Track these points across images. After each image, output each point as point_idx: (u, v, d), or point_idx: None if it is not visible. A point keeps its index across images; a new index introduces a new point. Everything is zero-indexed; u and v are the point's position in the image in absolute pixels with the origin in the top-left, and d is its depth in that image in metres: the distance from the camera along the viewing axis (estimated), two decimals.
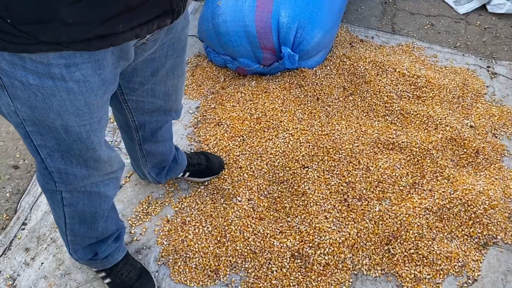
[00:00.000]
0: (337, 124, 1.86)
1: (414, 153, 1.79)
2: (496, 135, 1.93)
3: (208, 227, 1.60)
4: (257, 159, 1.74)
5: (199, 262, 1.53)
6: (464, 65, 2.21)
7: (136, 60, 0.99)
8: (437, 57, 2.24)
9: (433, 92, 2.00)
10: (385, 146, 1.81)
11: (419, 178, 1.74)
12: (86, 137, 0.92)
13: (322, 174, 1.72)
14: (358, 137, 1.82)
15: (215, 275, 1.51)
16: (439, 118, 1.90)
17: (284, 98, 1.91)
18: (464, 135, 1.85)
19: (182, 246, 1.56)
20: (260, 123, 1.82)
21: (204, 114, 1.94)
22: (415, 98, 1.98)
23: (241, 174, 1.71)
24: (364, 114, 1.93)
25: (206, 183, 1.72)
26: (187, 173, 1.69)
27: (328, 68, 2.04)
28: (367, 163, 1.75)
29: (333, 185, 1.69)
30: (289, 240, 1.56)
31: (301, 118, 1.86)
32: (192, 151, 1.80)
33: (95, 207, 1.14)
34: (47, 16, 0.69)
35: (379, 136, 1.83)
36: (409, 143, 1.80)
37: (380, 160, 1.76)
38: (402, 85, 2.00)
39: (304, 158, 1.74)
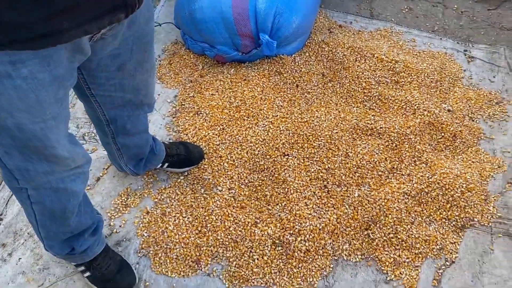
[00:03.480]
0: (317, 111, 1.86)
1: (393, 138, 1.80)
2: (473, 119, 1.96)
3: (188, 218, 1.60)
4: (237, 148, 1.73)
5: (180, 252, 1.52)
6: (442, 49, 2.23)
7: (99, 55, 0.97)
8: (415, 42, 2.24)
9: (411, 77, 2.01)
10: (363, 132, 1.82)
11: (397, 163, 1.75)
12: (42, 135, 0.90)
13: (302, 161, 1.72)
14: (337, 123, 1.82)
15: (196, 265, 1.51)
16: (417, 103, 1.91)
17: (264, 85, 1.89)
18: (442, 119, 1.87)
19: (163, 237, 1.55)
20: (239, 112, 1.81)
21: (183, 103, 1.92)
22: (393, 83, 1.99)
23: (221, 163, 1.70)
24: (343, 101, 1.93)
25: (186, 173, 1.71)
26: (166, 164, 1.68)
27: (307, 54, 2.03)
28: (346, 149, 1.75)
29: (313, 172, 1.70)
30: (270, 228, 1.56)
31: (281, 105, 1.85)
32: (171, 141, 1.78)
33: (64, 203, 1.12)
34: None
35: (357, 122, 1.83)
36: (387, 129, 1.81)
37: (358, 146, 1.77)
38: (380, 71, 2.01)
39: (284, 146, 1.73)
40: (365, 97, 1.94)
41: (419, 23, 2.36)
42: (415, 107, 1.90)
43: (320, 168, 1.71)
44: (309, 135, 1.76)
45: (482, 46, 2.25)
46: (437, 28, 2.34)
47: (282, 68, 1.95)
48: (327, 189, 1.67)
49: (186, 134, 1.80)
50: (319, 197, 1.65)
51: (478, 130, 1.92)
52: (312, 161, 1.72)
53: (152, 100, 1.31)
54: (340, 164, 1.72)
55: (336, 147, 1.75)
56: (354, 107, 1.91)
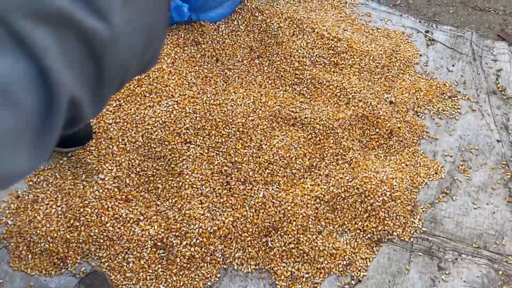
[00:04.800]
0: (234, 92, 1.60)
1: (317, 131, 1.56)
2: (419, 113, 1.71)
3: (63, 207, 1.39)
4: (132, 130, 1.49)
5: (45, 247, 1.33)
6: (400, 27, 1.94)
7: None
8: (370, 16, 1.95)
9: (353, 59, 1.73)
10: (285, 121, 1.58)
11: (317, 160, 1.53)
12: None
13: (206, 151, 1.49)
14: (255, 109, 1.57)
15: (62, 263, 1.32)
16: (353, 91, 1.65)
17: (176, 56, 1.62)
18: (379, 112, 1.62)
19: (28, 228, 1.35)
20: (141, 86, 1.56)
21: None
22: (331, 65, 1.72)
23: (110, 146, 1.47)
24: (269, 82, 1.67)
25: (70, 154, 1.48)
26: None
27: (236, 23, 1.75)
28: (260, 141, 1.52)
29: (216, 165, 1.47)
30: (153, 228, 1.36)
31: (193, 82, 1.59)
32: None
33: None
34: None
35: (280, 109, 1.58)
36: (313, 119, 1.57)
37: (276, 137, 1.54)
38: (319, 49, 1.73)
39: (188, 131, 1.50)
40: (296, 79, 1.68)
41: None
42: (350, 96, 1.64)
43: (225, 160, 1.48)
44: (219, 121, 1.52)
45: (446, 28, 1.96)
46: (399, 2, 2.04)
47: (201, 37, 1.68)
48: (229, 186, 1.45)
49: None
50: (218, 195, 1.43)
51: (421, 128, 1.68)
52: (217, 152, 1.49)
53: None
54: (250, 158, 1.49)
55: (249, 138, 1.52)
56: (281, 90, 1.66)
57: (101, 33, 0.44)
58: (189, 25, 1.68)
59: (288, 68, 1.69)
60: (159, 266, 1.33)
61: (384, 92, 1.71)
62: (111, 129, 1.49)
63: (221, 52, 1.68)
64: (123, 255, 1.34)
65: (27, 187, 1.43)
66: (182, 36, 1.66)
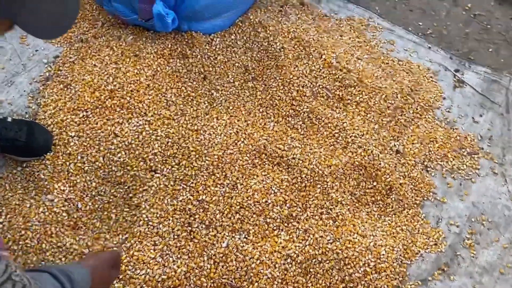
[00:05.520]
0: (217, 118, 1.41)
1: (304, 175, 1.35)
2: (428, 169, 1.47)
3: (4, 225, 1.25)
4: (94, 148, 1.33)
5: None
6: (426, 62, 1.68)
7: None
8: (393, 44, 1.70)
9: (361, 95, 1.50)
10: (269, 159, 1.38)
11: (298, 210, 1.33)
12: None
13: (172, 183, 1.31)
14: (237, 141, 1.38)
15: None
16: (354, 134, 1.43)
17: (158, 69, 1.44)
18: (380, 163, 1.40)
19: None
20: (113, 98, 1.38)
21: (60, 68, 1.50)
22: (335, 99, 1.50)
23: (67, 163, 1.31)
24: (260, 110, 1.47)
25: (25, 165, 1.34)
26: None
27: (233, 37, 1.54)
28: (236, 179, 1.33)
29: (180, 201, 1.29)
30: None
31: (172, 101, 1.41)
32: (21, 117, 1.39)
33: None
34: None
35: (267, 144, 1.38)
36: (301, 161, 1.36)
37: (255, 177, 1.34)
38: (323, 79, 1.51)
39: (155, 157, 1.32)
40: (291, 111, 1.47)
41: (410, 20, 1.78)
42: (350, 139, 1.42)
43: (191, 197, 1.30)
44: (192, 150, 1.34)
45: (481, 69, 1.69)
46: (431, 31, 1.77)
47: (190, 49, 1.48)
48: (190, 228, 1.27)
49: (45, 112, 1.40)
50: (175, 237, 1.26)
51: (427, 187, 1.44)
52: (184, 186, 1.31)
53: None
54: (220, 198, 1.30)
55: (223, 174, 1.33)
56: (272, 121, 1.45)
57: None
58: (179, 34, 1.49)
59: (284, 97, 1.48)
60: None
61: (391, 138, 1.48)
62: (72, 143, 1.33)
63: (211, 69, 1.48)
64: None
65: None
66: (169, 46, 1.47)
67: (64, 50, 1.54)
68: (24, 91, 1.47)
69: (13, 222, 1.24)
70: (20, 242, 1.22)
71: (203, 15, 1.42)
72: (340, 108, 1.49)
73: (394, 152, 1.46)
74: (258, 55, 1.53)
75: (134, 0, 1.39)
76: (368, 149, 1.41)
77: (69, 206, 1.27)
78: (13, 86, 1.47)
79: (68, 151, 1.32)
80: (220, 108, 1.44)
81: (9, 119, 1.33)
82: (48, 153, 1.33)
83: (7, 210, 1.27)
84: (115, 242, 1.24)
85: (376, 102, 1.50)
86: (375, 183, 1.39)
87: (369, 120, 1.48)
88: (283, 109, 1.47)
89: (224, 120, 1.41)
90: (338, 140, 1.43)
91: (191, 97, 1.43)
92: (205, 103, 1.44)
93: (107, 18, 1.60)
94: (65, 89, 1.43)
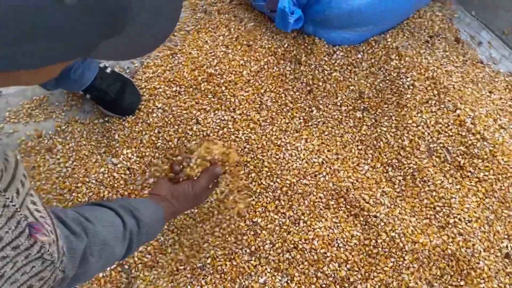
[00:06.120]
0: (306, 139, 1.24)
1: (380, 241, 1.13)
2: None
3: (67, 172, 1.25)
4: (173, 127, 1.25)
5: None
6: None
7: None
8: None
9: (487, 173, 1.20)
10: (347, 207, 1.18)
11: (358, 278, 1.12)
12: None
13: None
14: (319, 172, 1.20)
15: None
16: (459, 216, 1.15)
17: (265, 66, 1.30)
18: (479, 263, 1.11)
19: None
20: (209, 83, 1.29)
21: (175, 33, 1.44)
22: (453, 166, 1.22)
23: (144, 132, 1.26)
24: (359, 147, 1.26)
25: (107, 119, 1.32)
26: (88, 95, 1.30)
27: (359, 56, 1.32)
28: (302, 214, 1.16)
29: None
30: None
31: (266, 105, 1.27)
32: (118, 72, 1.36)
33: None
34: None
35: (351, 188, 1.18)
36: (384, 223, 1.14)
37: (323, 220, 1.16)
38: (448, 137, 1.24)
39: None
40: (394, 160, 1.23)
41: None
42: (452, 221, 1.15)
43: (246, 215, 1.16)
44: (266, 166, 1.19)
45: None
46: None
47: (306, 56, 1.31)
48: (232, 256, 1.14)
49: (143, 73, 1.36)
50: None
51: None
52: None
53: None
54: (277, 228, 1.15)
55: (289, 204, 1.17)
56: (367, 164, 1.24)
57: None
58: (301, 36, 1.32)
59: (393, 142, 1.25)
60: None
61: (505, 237, 1.17)
62: (154, 115, 1.28)
63: (321, 84, 1.30)
64: None
65: (53, 131, 1.32)
66: (285, 45, 1.32)
67: (185, 17, 1.48)
68: None
69: (75, 171, 1.24)
70: (73, 194, 1.21)
71: (333, 23, 1.23)
72: (455, 179, 1.21)
73: (503, 255, 1.15)
74: (380, 85, 1.30)
75: None
76: (470, 241, 1.13)
77: (129, 176, 1.23)
78: None
79: (148, 121, 1.27)
80: (314, 130, 1.26)
81: (108, 70, 1.32)
82: (130, 116, 1.30)
83: (75, 157, 1.27)
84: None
85: (503, 188, 1.19)
86: (462, 283, 1.12)
87: (485, 205, 1.18)
88: (385, 156, 1.24)
89: (313, 144, 1.23)
90: (437, 216, 1.17)
91: (288, 108, 1.28)
92: (300, 119, 1.27)
93: None
94: (170, 57, 1.38)
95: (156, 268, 1.13)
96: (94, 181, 1.21)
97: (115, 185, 1.21)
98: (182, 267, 1.12)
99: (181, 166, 0.97)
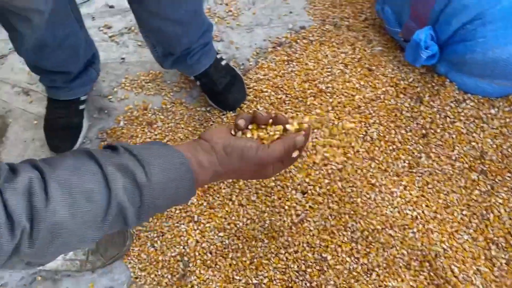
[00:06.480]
0: (405, 187, 1.11)
1: None
2: None
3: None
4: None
5: None
6: None
7: None
8: None
9: None
10: (431, 273, 1.03)
11: None
12: None
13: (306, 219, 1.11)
14: (408, 227, 1.06)
15: None
16: None
17: (381, 96, 1.19)
18: None
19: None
20: (315, 98, 1.21)
21: (297, 40, 1.39)
22: None
23: None
24: (464, 212, 1.09)
25: (209, 109, 1.32)
26: (198, 82, 1.32)
27: (492, 111, 1.14)
28: (376, 266, 1.04)
29: (301, 243, 1.09)
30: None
31: (370, 137, 1.16)
32: (230, 65, 1.35)
33: None
34: None
35: (440, 256, 1.03)
36: None
37: (398, 281, 1.03)
38: None
39: (310, 184, 1.13)
40: (501, 239, 1.05)
41: None
42: None
43: (313, 249, 1.08)
44: (351, 202, 1.09)
45: None
46: None
47: (430, 97, 1.16)
48: (293, 277, 1.07)
49: (255, 73, 1.34)
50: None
51: None
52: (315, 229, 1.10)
53: None
54: (345, 272, 1.05)
55: (366, 250, 1.06)
56: (467, 233, 1.07)
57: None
58: (430, 73, 1.19)
59: (506, 218, 1.06)
60: None
61: None
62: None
63: (438, 131, 1.15)
64: None
65: (158, 107, 1.36)
66: (409, 79, 1.19)
67: (312, 26, 1.42)
68: (255, 44, 1.43)
69: None
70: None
71: (472, 69, 1.08)
72: None
73: None
74: (509, 150, 1.12)
75: (406, 13, 1.15)
76: None
77: None
78: (252, 33, 1.45)
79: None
80: (417, 179, 1.13)
81: (223, 63, 1.32)
82: (231, 112, 1.28)
83: (170, 138, 1.30)
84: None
85: None
86: None
87: None
88: (493, 231, 1.06)
89: (411, 194, 1.10)
90: None
91: (394, 147, 1.16)
92: (404, 162, 1.15)
93: (373, 14, 1.40)
94: (286, 63, 1.34)
95: (213, 269, 1.10)
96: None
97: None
98: (237, 277, 1.08)
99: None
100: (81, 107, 1.32)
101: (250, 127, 0.65)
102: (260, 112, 0.66)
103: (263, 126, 0.66)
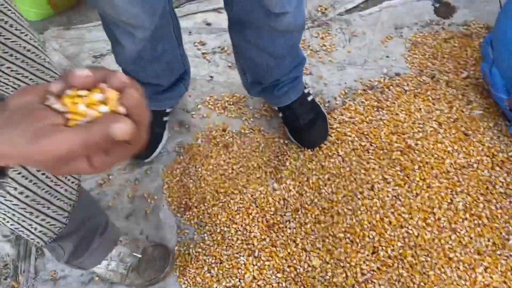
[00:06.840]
0: (486, 269, 1.01)
1: None
2: None
3: (232, 173, 1.27)
4: (344, 179, 1.17)
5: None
6: None
7: None
8: None
9: None
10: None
11: None
12: None
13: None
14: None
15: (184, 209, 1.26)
16: None
17: (475, 165, 1.11)
18: None
19: (196, 164, 1.31)
20: (403, 155, 1.15)
21: (390, 87, 1.34)
22: None
23: (313, 169, 1.21)
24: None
25: (287, 142, 1.30)
26: (281, 114, 1.30)
27: None
28: None
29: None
30: None
31: (457, 206, 1.08)
32: (318, 101, 1.32)
33: None
34: None
35: None
36: None
37: None
38: None
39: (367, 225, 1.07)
40: None
41: None
42: None
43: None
44: (421, 273, 1.02)
45: None
46: None
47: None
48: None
49: (341, 114, 1.30)
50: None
51: None
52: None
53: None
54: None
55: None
56: None
57: None
58: None
59: None
60: None
61: None
62: (332, 160, 1.21)
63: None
64: None
65: (237, 130, 1.36)
66: (509, 153, 1.09)
67: (409, 74, 1.36)
68: (345, 83, 1.39)
69: (238, 177, 1.26)
70: (227, 198, 1.23)
71: None
72: None
73: None
74: None
75: None
76: None
77: (282, 206, 1.19)
78: (344, 71, 1.41)
79: (323, 163, 1.21)
80: (501, 262, 1.02)
81: (309, 98, 1.29)
82: (309, 150, 1.25)
83: (243, 164, 1.29)
84: None
85: None
86: None
87: None
88: None
89: (491, 278, 1.00)
90: None
91: (479, 222, 1.07)
92: (488, 241, 1.05)
93: (476, 73, 1.31)
94: (375, 109, 1.29)
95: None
96: (249, 195, 1.21)
97: (265, 208, 1.19)
98: None
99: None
100: (165, 118, 1.35)
101: (70, 92, 0.37)
102: (78, 70, 0.37)
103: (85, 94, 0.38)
